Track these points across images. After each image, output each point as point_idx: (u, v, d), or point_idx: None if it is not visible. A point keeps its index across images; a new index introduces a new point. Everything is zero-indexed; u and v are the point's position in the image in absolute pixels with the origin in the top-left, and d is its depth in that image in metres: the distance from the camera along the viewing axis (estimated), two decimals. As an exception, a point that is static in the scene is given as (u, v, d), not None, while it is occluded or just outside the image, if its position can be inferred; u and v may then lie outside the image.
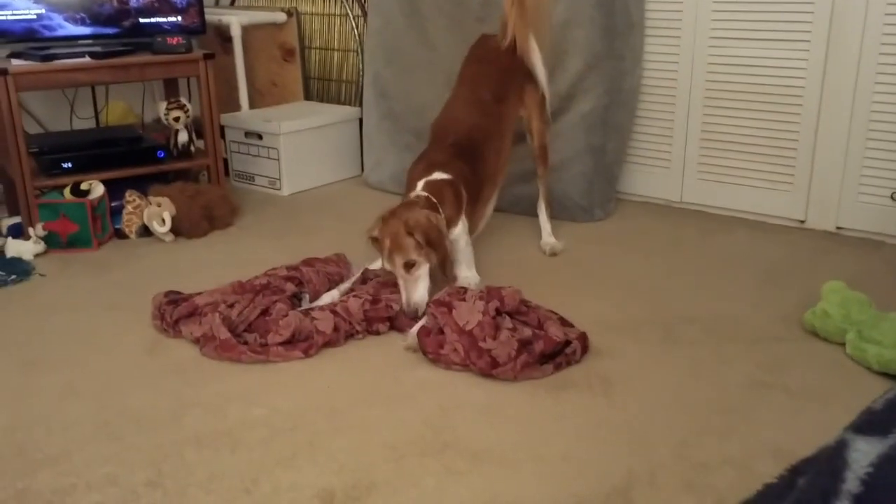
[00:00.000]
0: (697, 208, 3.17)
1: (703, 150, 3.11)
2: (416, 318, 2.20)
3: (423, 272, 2.26)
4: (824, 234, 2.90)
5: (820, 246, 2.80)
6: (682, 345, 2.13)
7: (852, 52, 2.72)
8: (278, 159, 3.54)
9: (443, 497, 1.55)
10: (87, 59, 3.01)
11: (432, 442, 1.72)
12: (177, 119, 3.25)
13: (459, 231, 2.44)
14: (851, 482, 0.95)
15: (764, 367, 2.01)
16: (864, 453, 0.97)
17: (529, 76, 2.75)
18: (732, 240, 2.89)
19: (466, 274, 2.46)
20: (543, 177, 2.87)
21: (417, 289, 2.24)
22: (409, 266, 2.23)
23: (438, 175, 2.42)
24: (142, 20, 3.24)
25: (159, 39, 3.14)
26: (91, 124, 3.86)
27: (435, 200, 2.35)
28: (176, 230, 3.01)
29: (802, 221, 2.96)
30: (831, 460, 1.00)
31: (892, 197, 2.74)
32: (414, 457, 1.67)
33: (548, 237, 2.86)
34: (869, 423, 1.01)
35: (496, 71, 2.71)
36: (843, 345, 2.07)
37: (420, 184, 2.42)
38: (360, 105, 3.73)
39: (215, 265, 2.76)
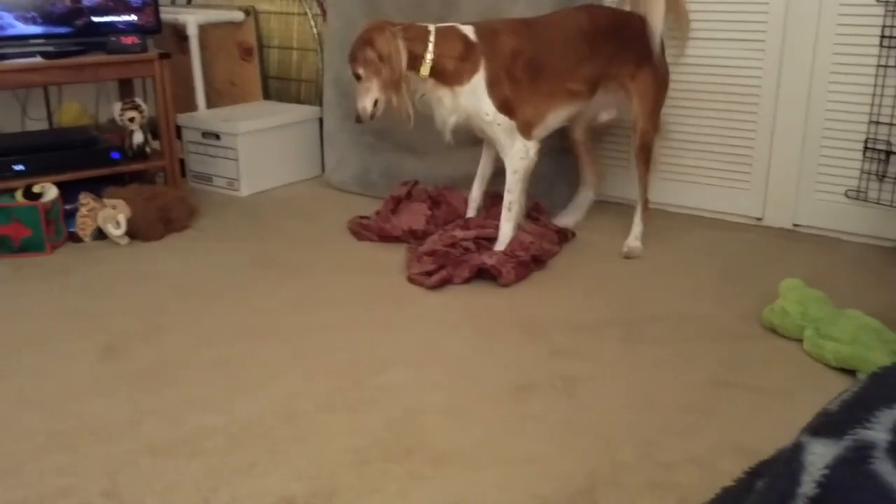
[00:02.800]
0: (657, 207, 3.18)
1: (662, 150, 3.13)
2: (358, 122, 2.56)
3: (372, 85, 2.46)
4: (781, 232, 2.93)
5: (777, 244, 2.84)
6: (644, 344, 2.14)
7: (807, 52, 2.76)
8: (237, 160, 3.49)
9: (405, 502, 1.53)
10: (39, 59, 2.94)
11: (395, 447, 1.70)
12: (132, 120, 3.19)
13: (488, 106, 2.51)
14: (808, 485, 0.95)
15: (725, 365, 2.02)
16: (820, 456, 0.97)
17: (645, 61, 2.69)
18: (692, 238, 2.91)
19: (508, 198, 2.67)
20: (642, 178, 2.82)
21: (362, 98, 2.49)
22: (358, 78, 2.48)
23: (461, 27, 2.54)
24: (95, 19, 3.17)
25: (113, 39, 3.08)
26: (44, 125, 3.78)
27: (433, 41, 2.47)
28: (132, 233, 2.95)
29: (760, 219, 3.00)
30: (788, 463, 1.00)
31: (846, 195, 2.78)
32: (376, 462, 1.65)
33: (633, 240, 2.80)
34: (825, 425, 1.02)
35: (603, 41, 2.65)
36: (801, 341, 2.09)
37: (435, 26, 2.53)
38: (321, 104, 3.70)
39: (172, 269, 2.72)
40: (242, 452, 1.69)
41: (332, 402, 1.89)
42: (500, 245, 2.64)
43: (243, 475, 1.62)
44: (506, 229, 2.65)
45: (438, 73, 2.49)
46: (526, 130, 2.58)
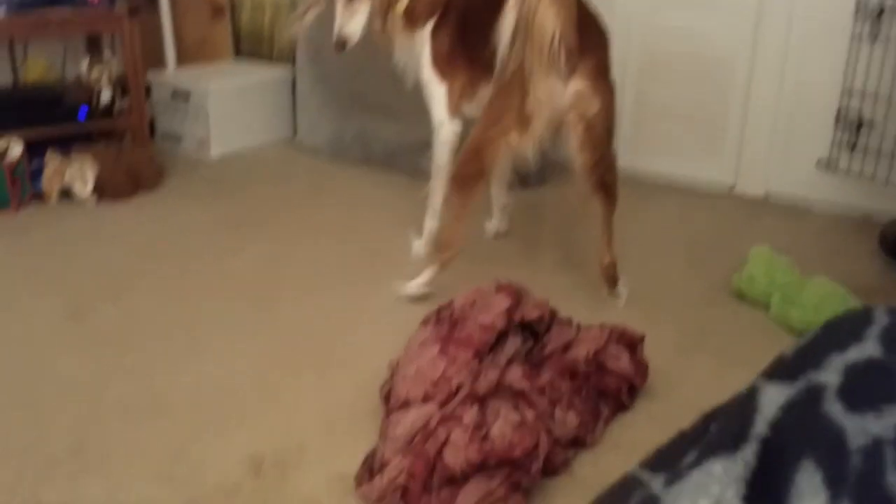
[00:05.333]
0: (630, 174, 3.19)
1: (637, 118, 3.13)
2: (341, 49, 2.20)
3: (363, 8, 2.19)
4: (753, 201, 2.96)
5: (749, 212, 2.86)
6: (613, 309, 2.15)
7: (782, 21, 2.76)
8: (207, 119, 3.44)
9: (374, 461, 1.54)
10: (2, 12, 2.86)
11: (363, 407, 1.70)
12: (99, 77, 3.13)
13: (428, 71, 2.27)
14: (761, 426, 0.98)
15: (691, 331, 2.05)
16: (774, 398, 1.00)
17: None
18: (664, 206, 2.93)
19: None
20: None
21: (348, 22, 2.18)
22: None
23: None
24: (62, -29, 3.08)
25: (80, -7, 3.01)
26: (9, 81, 3.69)
27: None
28: (99, 192, 2.90)
29: (732, 187, 3.02)
30: (742, 405, 1.02)
31: (817, 164, 2.81)
32: (344, 421, 1.66)
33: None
34: (779, 370, 1.04)
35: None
36: (767, 308, 2.12)
37: None
38: (293, 64, 3.64)
39: (140, 229, 2.68)
40: (210, 412, 1.69)
41: (300, 364, 1.88)
42: (417, 249, 2.40)
43: (211, 434, 1.61)
44: (428, 224, 2.38)
45: (409, 13, 2.24)
46: (453, 103, 2.29)
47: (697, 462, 1.05)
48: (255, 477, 1.49)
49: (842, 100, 2.71)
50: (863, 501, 0.90)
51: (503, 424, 1.44)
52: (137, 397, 1.74)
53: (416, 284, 2.17)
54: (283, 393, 1.76)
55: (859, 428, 0.94)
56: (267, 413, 1.68)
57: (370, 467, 1.47)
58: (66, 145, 2.98)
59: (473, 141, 2.05)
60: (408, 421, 1.47)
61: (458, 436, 1.41)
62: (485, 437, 1.41)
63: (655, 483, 1.18)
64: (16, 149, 2.85)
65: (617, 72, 3.16)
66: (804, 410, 0.97)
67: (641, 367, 1.74)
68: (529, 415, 1.48)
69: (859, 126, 2.69)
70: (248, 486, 1.46)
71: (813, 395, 0.98)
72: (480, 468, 1.38)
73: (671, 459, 1.25)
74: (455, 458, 1.38)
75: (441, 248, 2.21)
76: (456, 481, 1.37)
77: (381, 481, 1.39)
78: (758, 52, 2.83)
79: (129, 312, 2.12)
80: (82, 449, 1.57)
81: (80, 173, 2.86)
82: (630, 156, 3.17)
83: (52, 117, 3.05)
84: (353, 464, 1.50)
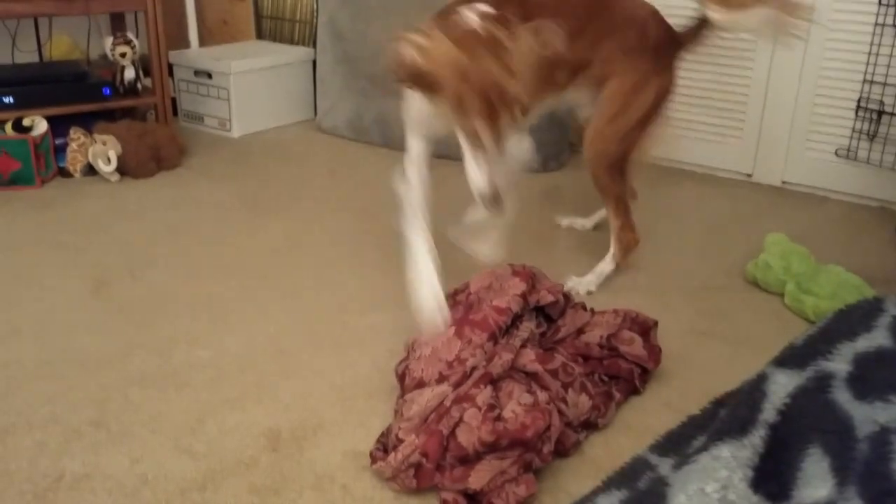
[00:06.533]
0: (648, 160, 3.19)
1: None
2: (498, 206, 1.65)
3: (486, 137, 1.62)
4: (770, 189, 2.95)
5: (765, 200, 2.86)
6: (627, 293, 2.17)
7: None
8: (228, 100, 3.47)
9: (388, 438, 1.57)
10: (29, -12, 2.89)
11: (379, 384, 1.73)
12: (123, 55, 3.16)
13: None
14: (769, 412, 0.99)
15: (705, 316, 2.06)
16: (783, 385, 1.01)
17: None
18: (681, 192, 2.93)
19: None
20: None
21: (488, 168, 1.63)
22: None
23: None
24: (87, -50, 3.11)
25: (105, -29, 3.03)
26: (34, 58, 3.73)
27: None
28: (122, 169, 2.94)
29: (749, 175, 3.01)
30: (751, 392, 1.04)
31: (836, 153, 2.80)
32: (361, 398, 1.69)
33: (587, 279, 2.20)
34: (789, 357, 1.05)
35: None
36: (782, 296, 2.12)
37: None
38: (314, 46, 3.66)
39: (162, 206, 2.72)
40: (230, 386, 1.72)
41: (318, 341, 1.91)
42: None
43: (230, 408, 1.65)
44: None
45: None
46: None
47: (706, 446, 1.06)
48: (272, 451, 1.52)
49: (863, 88, 2.70)
50: (869, 488, 0.91)
51: (516, 406, 1.46)
52: (158, 371, 1.78)
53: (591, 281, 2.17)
54: (301, 369, 1.79)
55: (867, 416, 0.96)
56: (285, 389, 1.72)
57: (384, 445, 1.50)
58: (89, 123, 3.02)
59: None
60: (422, 401, 1.49)
61: (472, 416, 1.43)
62: (497, 418, 1.43)
63: (664, 466, 1.20)
64: (41, 125, 2.89)
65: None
66: (813, 398, 0.99)
67: (654, 352, 1.75)
68: (542, 397, 1.50)
69: (880, 115, 2.68)
70: (266, 460, 1.50)
71: (822, 383, 0.99)
72: (493, 448, 1.40)
73: (680, 443, 1.27)
74: (468, 437, 1.40)
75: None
76: (468, 460, 1.40)
77: (395, 458, 1.41)
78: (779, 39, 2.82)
79: (151, 288, 2.16)
80: (104, 421, 1.60)
81: (104, 150, 2.90)
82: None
83: (76, 95, 3.08)
84: (368, 440, 1.53)
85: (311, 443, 1.55)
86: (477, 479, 1.37)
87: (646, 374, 1.73)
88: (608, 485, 1.21)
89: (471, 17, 1.64)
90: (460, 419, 1.43)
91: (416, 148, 1.83)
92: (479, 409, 1.44)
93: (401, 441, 1.44)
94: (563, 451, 1.51)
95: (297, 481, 1.44)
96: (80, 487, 1.42)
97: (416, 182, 1.80)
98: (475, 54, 1.56)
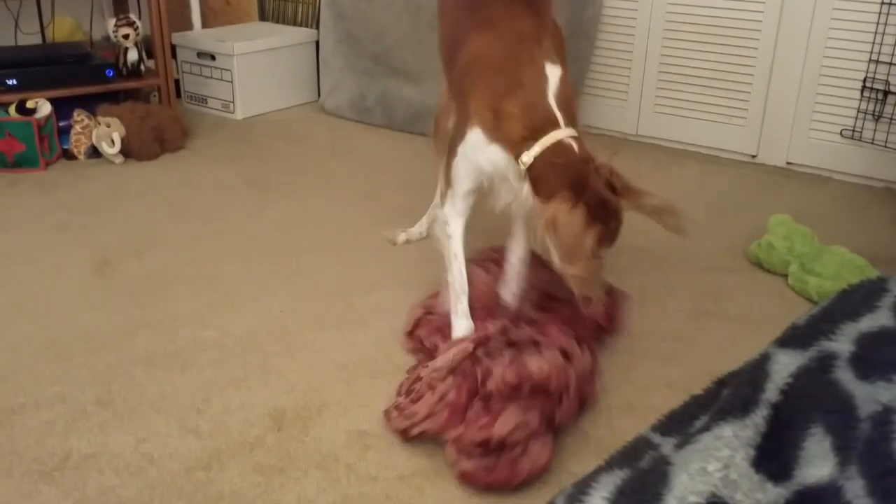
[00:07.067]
0: (652, 141, 3.18)
1: (660, 84, 3.11)
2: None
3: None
4: (774, 169, 2.94)
5: (770, 180, 2.85)
6: (631, 274, 2.17)
7: (811, -13, 2.73)
8: (232, 81, 3.46)
9: (392, 417, 1.58)
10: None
11: (383, 364, 1.74)
12: (126, 37, 3.15)
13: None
14: (771, 392, 0.99)
15: (708, 296, 2.06)
16: (785, 365, 1.01)
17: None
18: (685, 172, 2.92)
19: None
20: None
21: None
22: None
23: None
24: (88, -70, 3.10)
25: (107, -49, 3.02)
26: (37, 40, 3.72)
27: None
28: (126, 151, 2.94)
29: (754, 156, 3.00)
30: (753, 371, 1.04)
31: (840, 133, 2.79)
32: (365, 378, 1.70)
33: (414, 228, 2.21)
34: (792, 338, 1.06)
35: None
36: (785, 276, 2.13)
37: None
38: (317, 27, 3.65)
39: (165, 188, 2.72)
40: (234, 366, 1.73)
41: (321, 321, 1.92)
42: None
43: (235, 387, 1.66)
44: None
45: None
46: None
47: (708, 426, 1.07)
48: (276, 431, 1.53)
49: (868, 68, 2.68)
50: (871, 468, 0.92)
51: (540, 360, 1.50)
52: (163, 351, 1.79)
53: None
54: (305, 349, 1.80)
55: (869, 396, 0.96)
56: (289, 368, 1.73)
57: (407, 394, 1.53)
58: (92, 105, 3.02)
59: None
60: (448, 354, 1.53)
61: (498, 363, 1.48)
62: (523, 366, 1.48)
63: (666, 445, 1.21)
64: (45, 107, 2.89)
65: (639, 36, 3.16)
66: (815, 377, 0.99)
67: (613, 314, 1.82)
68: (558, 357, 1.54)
69: (886, 95, 2.66)
70: (270, 440, 1.51)
71: (824, 363, 1.00)
72: (516, 391, 1.44)
73: (682, 423, 1.28)
74: (494, 382, 1.45)
75: None
76: (493, 410, 1.42)
77: (432, 397, 1.45)
78: (784, 18, 2.80)
79: (155, 268, 2.17)
80: (109, 401, 1.62)
81: (107, 133, 2.90)
82: (653, 122, 3.17)
83: (80, 77, 3.08)
84: (372, 420, 1.54)
85: (315, 422, 1.56)
86: (501, 427, 1.40)
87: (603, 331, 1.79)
88: (610, 464, 1.21)
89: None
90: (488, 369, 1.48)
91: (464, 201, 1.71)
92: (505, 358, 1.50)
93: (433, 387, 1.48)
94: (584, 403, 1.56)
95: (302, 460, 1.46)
96: (86, 466, 1.44)
97: (460, 235, 1.72)
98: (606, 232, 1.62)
